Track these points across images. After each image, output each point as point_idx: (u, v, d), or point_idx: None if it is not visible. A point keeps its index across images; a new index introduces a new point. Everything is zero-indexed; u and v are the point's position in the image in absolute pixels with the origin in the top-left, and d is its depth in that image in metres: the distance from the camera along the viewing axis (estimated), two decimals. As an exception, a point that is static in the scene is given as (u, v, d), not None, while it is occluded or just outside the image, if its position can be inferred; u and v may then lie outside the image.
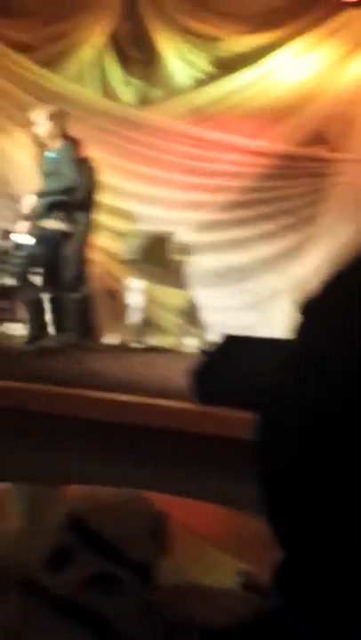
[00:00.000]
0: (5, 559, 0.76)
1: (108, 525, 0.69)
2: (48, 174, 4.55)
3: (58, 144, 4.57)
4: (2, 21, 6.28)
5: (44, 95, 6.06)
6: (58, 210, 4.45)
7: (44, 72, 6.12)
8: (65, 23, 6.06)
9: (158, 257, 5.46)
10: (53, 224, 4.43)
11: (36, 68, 6.14)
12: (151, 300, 5.72)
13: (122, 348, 5.28)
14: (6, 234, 4.70)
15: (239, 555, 0.81)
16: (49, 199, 4.45)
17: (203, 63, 5.80)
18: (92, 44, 6.00)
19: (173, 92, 5.93)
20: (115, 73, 6.10)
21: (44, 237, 4.39)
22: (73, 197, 4.53)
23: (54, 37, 6.11)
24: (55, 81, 6.08)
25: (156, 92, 6.04)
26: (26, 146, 6.19)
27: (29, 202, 4.57)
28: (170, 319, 5.73)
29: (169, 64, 5.88)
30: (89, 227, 5.03)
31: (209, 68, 5.79)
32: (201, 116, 5.73)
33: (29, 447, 2.63)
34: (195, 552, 0.94)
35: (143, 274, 5.52)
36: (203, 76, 5.80)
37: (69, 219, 4.52)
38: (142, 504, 0.74)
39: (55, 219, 4.43)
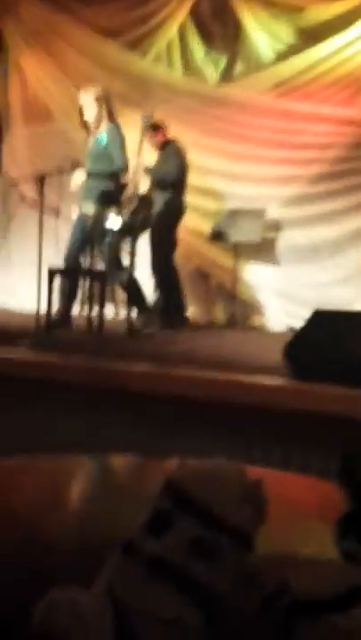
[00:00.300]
0: (107, 525, 0.79)
1: (202, 492, 0.70)
2: (97, 157, 4.52)
3: (106, 126, 4.53)
4: (87, 9, 6.38)
5: (129, 78, 6.14)
6: (106, 194, 4.43)
7: (130, 56, 6.18)
8: (147, 5, 6.08)
9: (248, 234, 5.41)
10: (99, 209, 4.42)
11: (120, 51, 6.21)
12: (242, 279, 5.69)
13: (212, 327, 5.30)
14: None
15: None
16: (98, 183, 4.45)
17: (287, 34, 5.67)
18: (174, 23, 6.00)
19: (258, 65, 5.84)
20: (198, 50, 6.07)
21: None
22: (120, 180, 4.52)
23: (138, 20, 6.15)
24: (140, 64, 6.13)
25: (241, 67, 5.96)
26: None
27: (77, 180, 4.52)
28: (261, 297, 5.69)
29: (252, 37, 5.78)
30: (179, 208, 5.05)
31: (293, 39, 5.65)
32: (287, 88, 5.61)
33: (128, 425, 2.70)
34: (293, 522, 0.94)
35: (233, 252, 5.50)
36: (287, 48, 5.67)
37: (117, 202, 4.50)
38: (235, 472, 0.75)
39: (101, 203, 4.41)
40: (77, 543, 0.83)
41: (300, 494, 1.12)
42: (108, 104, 4.58)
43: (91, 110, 4.55)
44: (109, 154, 4.49)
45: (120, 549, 0.68)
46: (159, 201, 4.94)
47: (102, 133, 4.53)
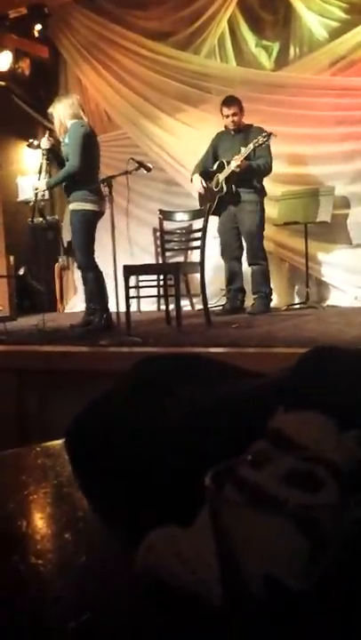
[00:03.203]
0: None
1: (300, 435, 0.75)
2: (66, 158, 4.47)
3: (68, 127, 4.47)
4: (136, 13, 6.51)
5: (184, 77, 6.22)
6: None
7: (183, 55, 6.26)
8: (195, 3, 6.16)
9: (318, 215, 5.37)
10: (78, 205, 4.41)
11: (173, 51, 6.30)
12: (316, 259, 5.66)
13: (291, 309, 5.31)
14: (167, 214, 4.90)
15: None
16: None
17: (337, 11, 5.61)
18: (224, 17, 6.05)
19: (311, 46, 5.82)
20: (250, 40, 6.10)
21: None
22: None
23: (187, 19, 6.24)
24: (194, 60, 6.21)
25: (294, 50, 5.95)
26: (174, 131, 6.38)
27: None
28: (337, 276, 5.64)
29: (303, 19, 5.77)
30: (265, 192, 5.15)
31: (344, 15, 5.59)
32: (343, 64, 5.57)
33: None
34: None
35: (303, 233, 5.47)
36: (339, 25, 5.61)
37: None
38: (331, 422, 0.79)
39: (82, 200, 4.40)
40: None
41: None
42: (73, 108, 4.52)
43: (56, 118, 4.55)
44: (69, 155, 4.43)
45: (219, 479, 0.73)
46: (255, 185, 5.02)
47: (66, 135, 4.50)
